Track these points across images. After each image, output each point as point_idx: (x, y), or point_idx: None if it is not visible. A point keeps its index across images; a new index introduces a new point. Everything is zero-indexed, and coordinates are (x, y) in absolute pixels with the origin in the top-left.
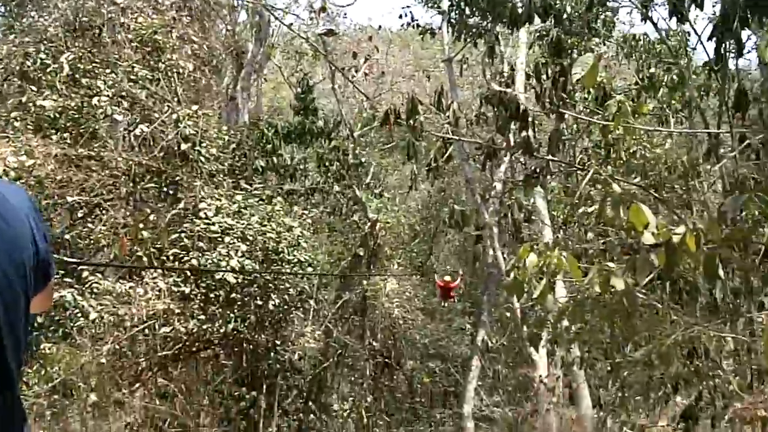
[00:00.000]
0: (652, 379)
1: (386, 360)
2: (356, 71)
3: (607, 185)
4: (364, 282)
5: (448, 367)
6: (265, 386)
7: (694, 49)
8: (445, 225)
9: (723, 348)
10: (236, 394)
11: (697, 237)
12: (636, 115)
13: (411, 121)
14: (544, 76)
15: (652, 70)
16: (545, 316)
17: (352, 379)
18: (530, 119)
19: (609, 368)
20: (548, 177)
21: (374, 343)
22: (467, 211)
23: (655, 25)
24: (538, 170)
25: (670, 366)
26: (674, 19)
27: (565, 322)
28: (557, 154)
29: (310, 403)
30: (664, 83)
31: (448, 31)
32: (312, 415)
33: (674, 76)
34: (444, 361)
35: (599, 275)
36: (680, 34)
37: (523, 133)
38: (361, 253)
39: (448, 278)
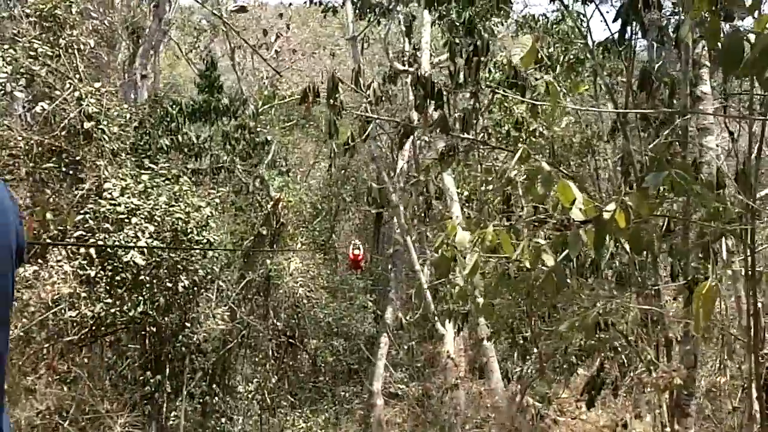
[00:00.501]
0: (565, 352)
1: (290, 339)
2: (267, 49)
3: (532, 163)
4: (268, 261)
5: (352, 345)
6: (169, 369)
7: (589, 29)
8: (350, 202)
9: (629, 320)
10: (141, 378)
11: (627, 213)
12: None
13: (331, 100)
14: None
15: (551, 49)
16: (465, 291)
17: (256, 359)
18: (446, 98)
19: (520, 341)
20: (462, 155)
21: (278, 323)
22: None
23: (565, 6)
24: (451, 148)
25: (591, 337)
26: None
27: (480, 298)
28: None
29: (214, 386)
30: (561, 62)
31: (350, 9)
32: (216, 398)
33: (572, 56)
34: (347, 339)
35: (530, 251)
36: (576, 14)
37: (440, 112)
38: (264, 232)
39: (357, 251)
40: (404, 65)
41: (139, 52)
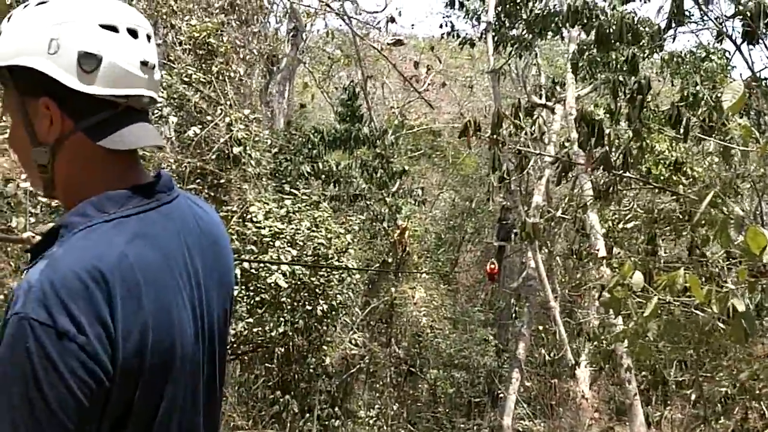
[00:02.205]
0: (731, 399)
1: (410, 368)
2: (417, 81)
3: (720, 207)
4: (393, 289)
5: (472, 377)
6: (297, 391)
7: (734, 67)
8: (473, 234)
9: None
10: (271, 397)
11: None
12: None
13: (494, 134)
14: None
15: (698, 87)
16: (637, 333)
17: (377, 386)
18: (609, 136)
19: (672, 386)
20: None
21: (399, 351)
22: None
23: (737, 46)
24: (610, 185)
25: None
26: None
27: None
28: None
29: (336, 409)
30: (706, 102)
31: (491, 42)
32: (338, 421)
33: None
34: (468, 372)
35: (717, 296)
36: (723, 52)
37: (602, 149)
38: (390, 260)
39: (493, 266)
40: (541, 99)
41: (276, 79)
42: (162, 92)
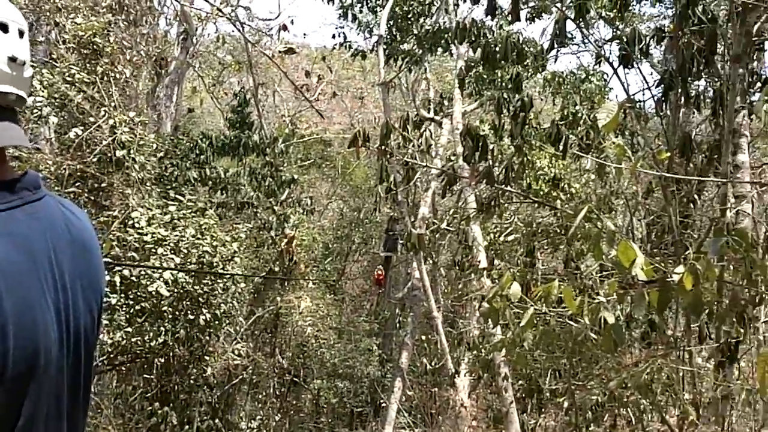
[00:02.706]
0: (600, 406)
1: (294, 378)
2: (308, 90)
3: (594, 222)
4: (278, 299)
5: (356, 387)
6: (176, 402)
7: (611, 89)
8: (360, 244)
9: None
10: (149, 408)
11: (695, 276)
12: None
13: (383, 145)
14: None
15: (578, 107)
16: (514, 342)
17: (259, 397)
18: (492, 151)
19: (546, 394)
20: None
21: (283, 361)
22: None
23: (614, 69)
24: (492, 199)
25: (644, 394)
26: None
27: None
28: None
29: (218, 421)
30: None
31: (382, 55)
32: None
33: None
34: (351, 381)
35: (590, 308)
36: (601, 74)
37: (485, 164)
38: (277, 269)
39: (380, 272)
40: (429, 113)
41: (165, 82)
42: (43, 91)
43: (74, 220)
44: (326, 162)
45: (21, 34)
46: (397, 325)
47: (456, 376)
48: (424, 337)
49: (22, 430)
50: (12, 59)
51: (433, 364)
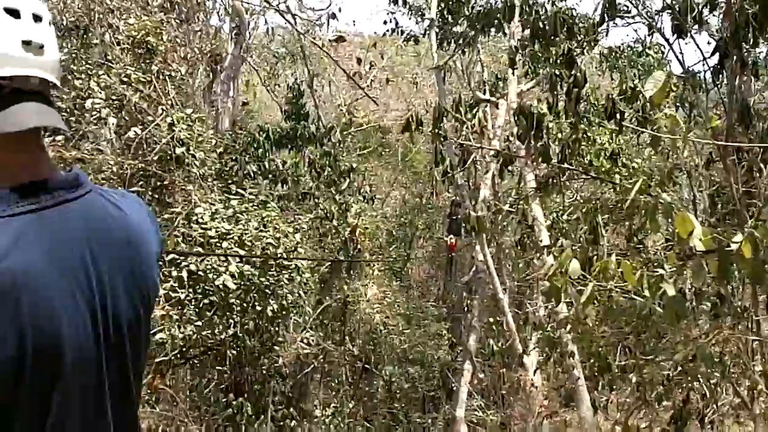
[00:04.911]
0: (669, 381)
1: (365, 365)
2: (361, 78)
3: (652, 195)
4: (345, 287)
5: (427, 372)
6: (250, 393)
7: (669, 61)
8: (424, 230)
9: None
10: (224, 400)
11: (754, 244)
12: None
13: (437, 129)
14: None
15: (636, 81)
16: (578, 320)
17: (332, 385)
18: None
19: (615, 371)
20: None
21: (353, 349)
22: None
23: (668, 41)
24: (551, 177)
25: (715, 367)
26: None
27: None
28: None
29: (292, 410)
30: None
31: (435, 39)
32: (294, 421)
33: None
34: (422, 367)
35: (650, 281)
36: (658, 47)
37: (541, 142)
38: (341, 258)
39: (452, 239)
40: (485, 94)
41: (220, 78)
42: (101, 93)
43: (117, 214)
44: (385, 149)
45: (36, 18)
46: (465, 308)
47: (524, 356)
48: (491, 319)
49: (52, 427)
50: (26, 43)
51: (501, 345)
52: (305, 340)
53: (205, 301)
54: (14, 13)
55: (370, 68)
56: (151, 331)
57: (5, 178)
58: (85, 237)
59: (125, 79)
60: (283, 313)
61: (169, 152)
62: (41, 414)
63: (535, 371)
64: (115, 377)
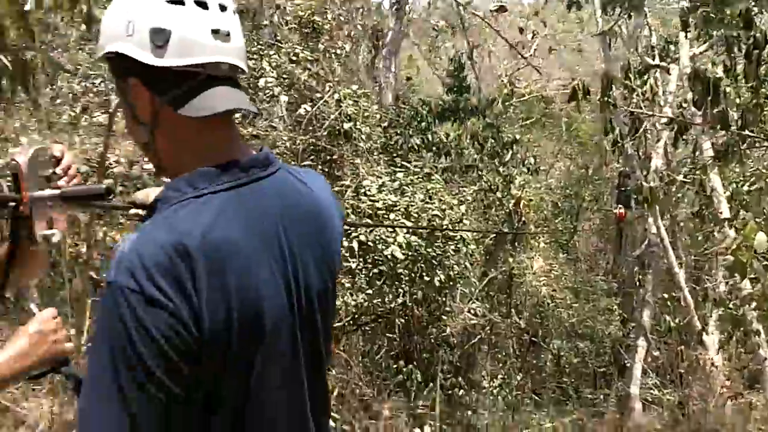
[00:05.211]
0: None
1: (532, 338)
2: (523, 47)
3: None
4: (510, 259)
5: (597, 347)
6: (419, 360)
7: None
8: (591, 202)
9: None
10: (394, 367)
11: None
12: None
13: (605, 97)
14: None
15: None
16: (753, 296)
17: (499, 357)
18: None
19: None
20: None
21: (520, 321)
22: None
23: None
24: (730, 145)
25: None
26: None
27: None
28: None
29: (460, 379)
30: None
31: (598, 4)
32: (462, 391)
33: None
34: (592, 342)
35: None
36: None
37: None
38: (506, 230)
39: (620, 209)
40: (654, 59)
41: (382, 54)
42: (272, 72)
43: (305, 190)
44: (549, 120)
45: (222, 8)
46: (637, 283)
47: (704, 333)
48: (666, 295)
49: (254, 390)
50: (215, 31)
51: (678, 322)
52: (472, 311)
53: (375, 270)
54: (203, 4)
55: (532, 37)
56: None
57: (206, 158)
58: (277, 212)
59: (294, 58)
60: (450, 283)
61: (337, 127)
62: (245, 383)
63: (718, 350)
64: (308, 348)
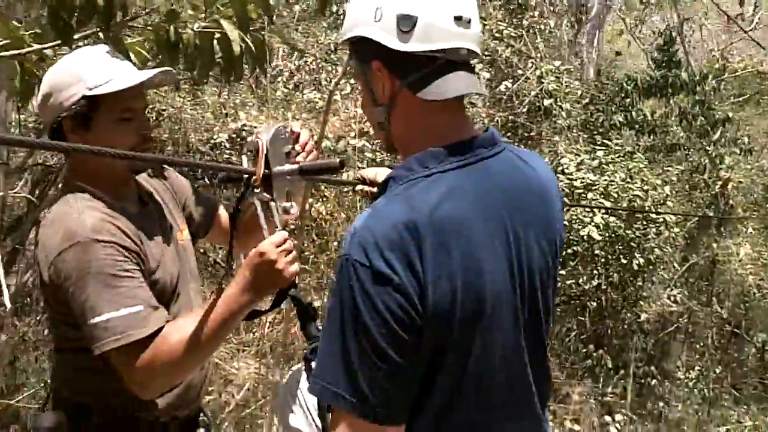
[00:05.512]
0: None
1: (734, 330)
2: (743, 19)
3: None
4: (714, 245)
5: None
6: (609, 346)
7: None
8: None
9: None
10: (583, 351)
11: None
12: None
13: None
14: None
15: None
16: None
17: (696, 347)
18: None
19: None
20: None
21: (721, 311)
22: None
23: None
24: None
25: None
26: None
27: None
28: None
29: (653, 368)
30: None
31: None
32: (654, 380)
33: None
34: None
35: None
36: None
37: None
38: (711, 213)
39: None
40: None
41: (586, 28)
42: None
43: (528, 170)
44: (764, 97)
45: None
46: None
47: None
48: None
49: (476, 361)
50: (458, 18)
51: None
52: (671, 298)
53: (569, 250)
54: None
55: (754, 10)
56: None
57: (437, 139)
58: (502, 192)
59: (497, 35)
60: (649, 267)
61: (537, 104)
62: (465, 355)
63: None
64: (529, 326)
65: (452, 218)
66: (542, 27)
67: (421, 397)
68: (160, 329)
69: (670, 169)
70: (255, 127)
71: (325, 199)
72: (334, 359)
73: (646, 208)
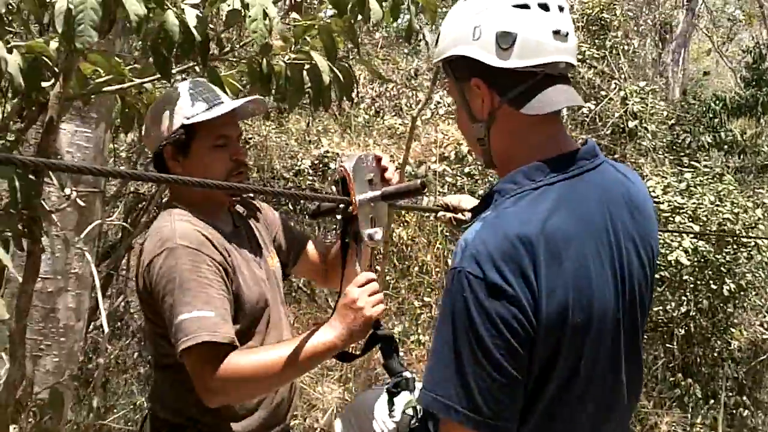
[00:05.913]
0: None
1: None
2: None
3: None
4: None
5: None
6: (698, 375)
7: None
8: None
9: None
10: (671, 380)
11: None
12: None
13: None
14: None
15: None
16: None
17: None
18: None
19: None
20: None
21: None
22: None
23: None
24: None
25: None
26: None
27: None
28: None
29: (745, 398)
30: None
31: None
32: (746, 411)
33: None
34: None
35: None
36: None
37: None
38: None
39: None
40: None
41: (671, 47)
42: None
43: (627, 183)
44: None
45: (561, 9)
46: None
47: None
48: None
49: (582, 371)
50: (556, 32)
51: None
52: (764, 324)
53: (657, 275)
54: (545, 6)
55: None
56: None
57: (539, 152)
58: (605, 203)
59: (579, 57)
60: (741, 293)
61: (621, 125)
62: (573, 366)
63: None
64: (627, 338)
65: (562, 231)
66: (626, 47)
67: (525, 409)
68: (233, 344)
69: (761, 191)
70: (338, 154)
71: (406, 224)
72: (446, 371)
73: (737, 232)
